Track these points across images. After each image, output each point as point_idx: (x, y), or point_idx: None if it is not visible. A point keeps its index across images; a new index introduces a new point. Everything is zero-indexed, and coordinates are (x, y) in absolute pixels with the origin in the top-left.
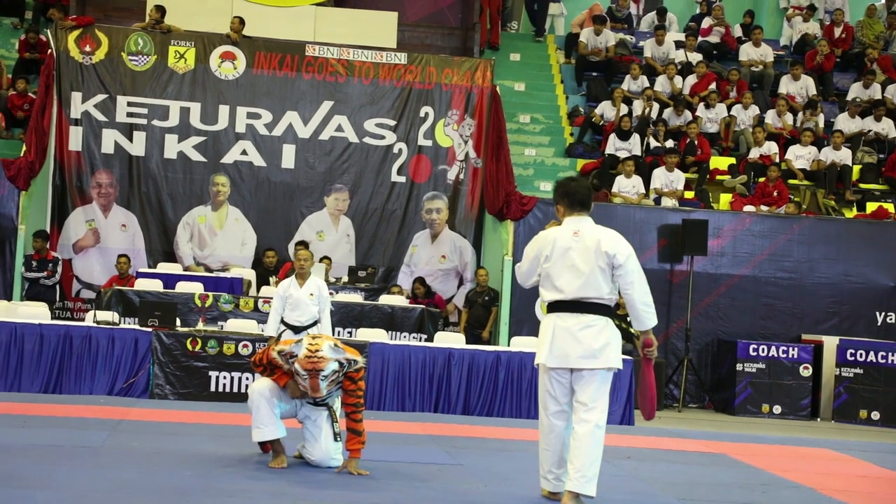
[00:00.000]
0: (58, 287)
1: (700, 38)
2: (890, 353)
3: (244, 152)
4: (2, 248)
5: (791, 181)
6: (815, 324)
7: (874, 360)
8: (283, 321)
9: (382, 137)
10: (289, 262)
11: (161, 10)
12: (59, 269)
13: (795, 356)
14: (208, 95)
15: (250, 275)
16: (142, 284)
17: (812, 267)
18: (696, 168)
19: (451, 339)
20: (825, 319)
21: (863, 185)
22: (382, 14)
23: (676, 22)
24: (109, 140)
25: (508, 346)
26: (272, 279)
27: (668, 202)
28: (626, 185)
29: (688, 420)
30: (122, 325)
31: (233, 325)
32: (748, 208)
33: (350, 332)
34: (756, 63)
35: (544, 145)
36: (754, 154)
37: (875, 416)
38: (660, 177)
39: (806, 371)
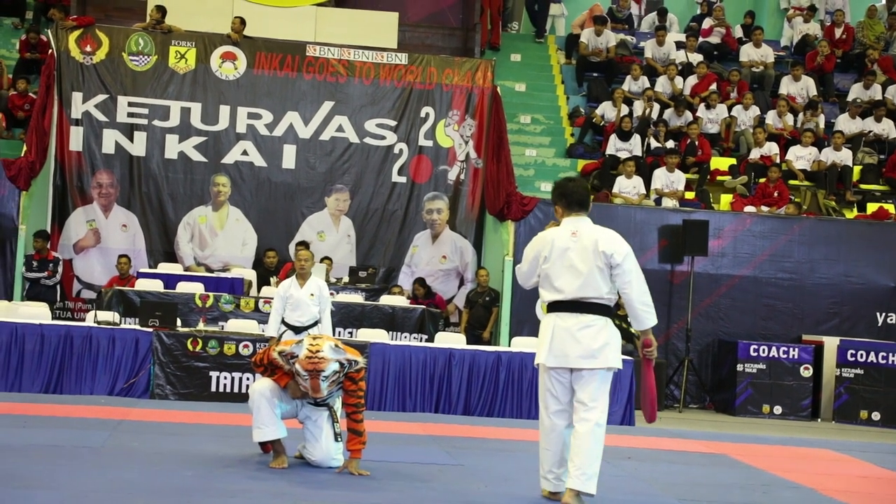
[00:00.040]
0: (58, 287)
1: (701, 39)
2: (890, 354)
3: (245, 152)
4: (2, 248)
5: (791, 182)
6: (815, 324)
7: (875, 361)
8: (283, 321)
9: (383, 138)
10: (289, 263)
11: (162, 10)
12: (60, 269)
13: (796, 357)
14: (209, 96)
15: (251, 275)
16: (142, 284)
17: (813, 267)
18: (697, 169)
19: (451, 340)
20: (826, 320)
21: (863, 186)
22: (383, 14)
23: (677, 22)
24: (110, 140)
25: (509, 346)
26: (273, 279)
27: (668, 203)
28: (627, 186)
29: (688, 420)
30: (122, 326)
31: (233, 325)
32: (749, 209)
33: (351, 333)
34: (757, 64)
35: (545, 146)
36: (755, 155)
37: (876, 416)
38: (660, 177)
39: (806, 371)
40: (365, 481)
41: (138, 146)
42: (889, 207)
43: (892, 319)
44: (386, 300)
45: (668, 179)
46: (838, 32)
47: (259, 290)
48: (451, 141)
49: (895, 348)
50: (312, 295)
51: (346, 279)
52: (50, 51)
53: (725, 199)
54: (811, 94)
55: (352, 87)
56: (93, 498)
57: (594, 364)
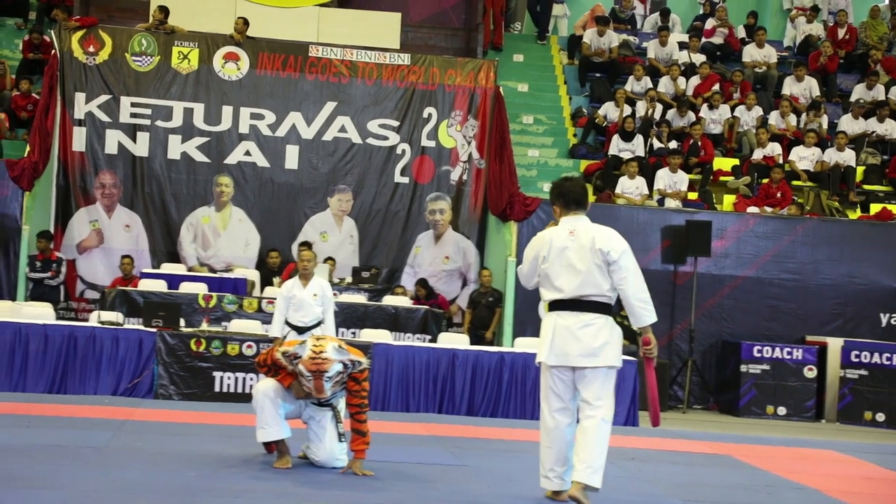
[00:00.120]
0: (62, 287)
1: (703, 39)
2: (895, 355)
3: (248, 153)
4: (6, 248)
5: (795, 182)
6: (819, 325)
7: (879, 362)
8: (287, 322)
9: (386, 138)
10: (292, 263)
11: (164, 10)
12: (63, 269)
13: (800, 357)
14: (212, 96)
15: (254, 275)
16: (146, 285)
17: (816, 268)
18: (700, 169)
19: (454, 340)
20: (829, 321)
21: (866, 187)
22: (386, 15)
23: (680, 23)
24: (113, 140)
25: (512, 346)
26: (276, 280)
27: (671, 203)
28: (630, 187)
29: (692, 421)
30: (126, 326)
31: (237, 325)
32: (752, 209)
33: (354, 333)
34: (759, 64)
35: (547, 146)
36: (758, 155)
37: (880, 417)
38: (663, 178)
39: (810, 372)
40: (369, 482)
41: (141, 146)
42: (892, 208)
43: (895, 320)
44: (389, 301)
45: (671, 180)
46: (841, 33)
47: (262, 290)
48: (453, 141)
49: None
50: (315, 295)
51: (349, 279)
52: (53, 51)
53: (728, 200)
54: (814, 95)
55: (354, 88)
56: (96, 498)
57: (595, 363)
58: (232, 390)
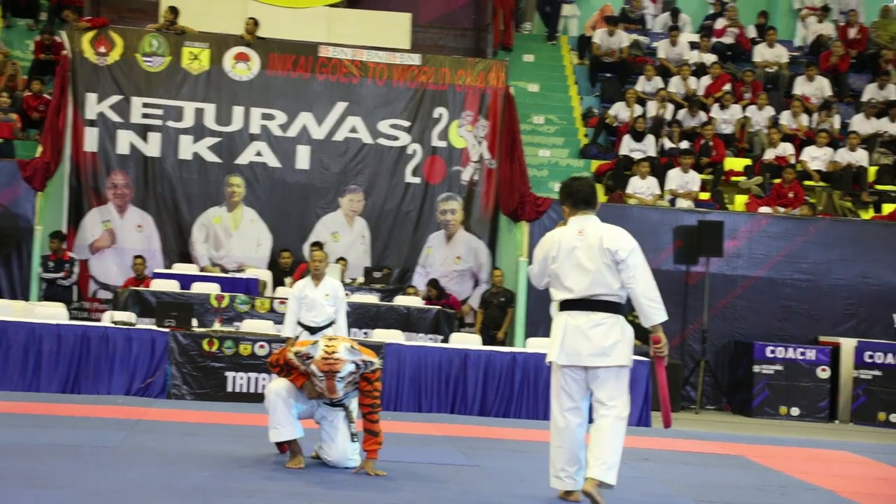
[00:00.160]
0: (74, 288)
1: (714, 39)
2: None
3: (259, 153)
4: (18, 248)
5: (807, 182)
6: (832, 326)
7: (893, 363)
8: (298, 322)
9: (396, 138)
10: (304, 263)
11: (175, 11)
12: (76, 269)
13: (813, 358)
14: (223, 96)
15: (266, 275)
16: (158, 285)
17: (829, 268)
18: (711, 169)
19: (466, 340)
20: (842, 321)
21: (879, 187)
22: (396, 15)
23: (690, 23)
24: (125, 141)
25: (524, 347)
26: (287, 280)
27: (683, 203)
28: (641, 187)
29: (705, 422)
30: (138, 326)
31: (249, 325)
32: (764, 209)
33: (366, 333)
34: (770, 64)
35: (558, 146)
36: (769, 155)
37: (894, 418)
38: (675, 178)
39: (823, 373)
40: (381, 482)
41: (153, 147)
42: None
43: None
44: (401, 301)
45: (683, 180)
46: (852, 33)
47: (274, 290)
48: (464, 142)
49: None
50: (327, 295)
51: (360, 280)
52: (64, 52)
53: (740, 200)
54: (825, 95)
55: (365, 88)
56: (109, 497)
57: (606, 362)
58: (244, 390)
